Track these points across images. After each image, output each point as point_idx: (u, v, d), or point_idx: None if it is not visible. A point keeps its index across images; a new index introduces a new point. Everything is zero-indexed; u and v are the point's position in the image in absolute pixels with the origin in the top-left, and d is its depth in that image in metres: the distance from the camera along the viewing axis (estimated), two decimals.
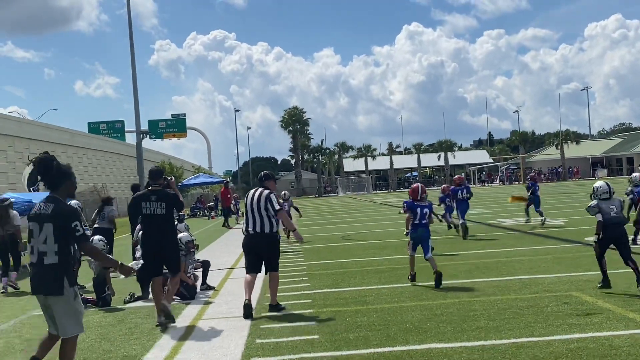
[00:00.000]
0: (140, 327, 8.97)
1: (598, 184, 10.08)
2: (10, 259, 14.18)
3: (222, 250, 19.21)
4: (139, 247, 11.06)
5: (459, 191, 18.57)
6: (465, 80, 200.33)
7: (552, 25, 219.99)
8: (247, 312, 9.10)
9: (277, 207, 9.56)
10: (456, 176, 20.35)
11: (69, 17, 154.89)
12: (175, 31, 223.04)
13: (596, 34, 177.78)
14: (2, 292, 13.39)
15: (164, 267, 9.23)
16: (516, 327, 7.57)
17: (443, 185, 21.31)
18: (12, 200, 15.40)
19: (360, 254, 15.81)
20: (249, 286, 9.40)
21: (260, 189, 9.76)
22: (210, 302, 10.59)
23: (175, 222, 10.41)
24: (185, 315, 9.66)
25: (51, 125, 47.44)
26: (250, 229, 9.53)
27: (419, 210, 11.20)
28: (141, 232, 9.87)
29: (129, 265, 7.52)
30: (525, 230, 19.30)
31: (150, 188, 9.25)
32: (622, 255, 9.57)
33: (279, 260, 9.76)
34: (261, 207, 9.49)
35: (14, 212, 14.58)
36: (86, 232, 6.62)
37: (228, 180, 49.81)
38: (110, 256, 8.61)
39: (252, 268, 9.62)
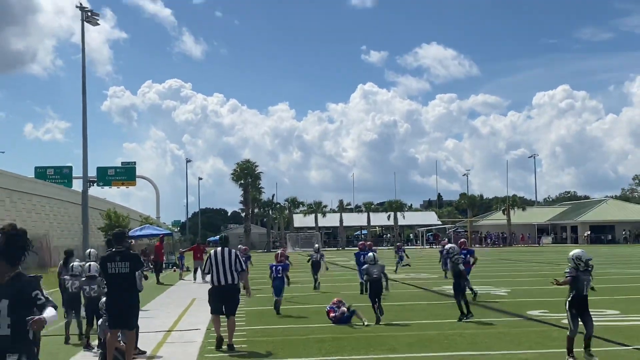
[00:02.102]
0: None
1: (580, 252, 10.60)
2: None
3: (160, 309, 18.57)
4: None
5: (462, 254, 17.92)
6: (417, 141, 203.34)
7: (501, 93, 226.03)
8: (219, 344, 11.80)
9: (244, 267, 12.46)
10: (461, 240, 21.28)
11: (23, 60, 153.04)
12: (130, 78, 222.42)
13: (544, 103, 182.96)
14: None
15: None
16: None
17: (461, 240, 21.58)
18: None
19: (305, 320, 15.58)
20: (217, 324, 12.15)
21: (227, 249, 12.43)
22: None
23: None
24: None
25: None
26: (221, 281, 12.10)
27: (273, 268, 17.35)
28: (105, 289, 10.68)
29: None
30: (469, 300, 19.28)
31: (114, 249, 10.27)
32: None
33: None
34: (232, 263, 12.17)
35: None
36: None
37: (166, 235, 49.21)
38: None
39: (217, 310, 12.26)
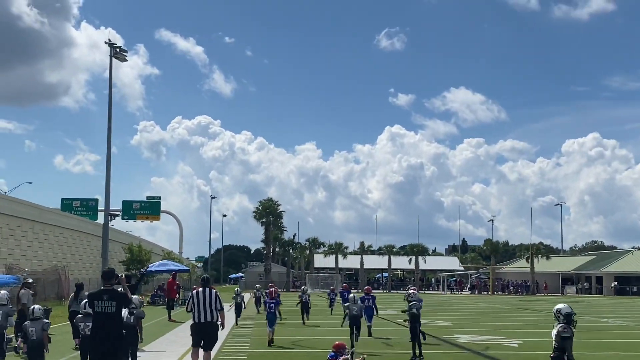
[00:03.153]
0: None
1: (563, 306, 10.45)
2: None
3: (164, 348, 18.46)
4: None
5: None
6: (443, 185, 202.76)
7: (530, 139, 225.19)
8: None
9: (222, 306, 13.56)
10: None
11: (56, 92, 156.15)
12: (160, 114, 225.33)
13: (573, 151, 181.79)
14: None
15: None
16: None
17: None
18: None
19: None
20: (196, 356, 13.27)
21: (208, 289, 13.45)
22: None
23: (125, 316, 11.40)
24: None
25: (19, 199, 46.94)
26: (201, 319, 13.16)
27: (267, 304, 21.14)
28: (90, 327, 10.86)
29: None
30: (477, 350, 19.08)
31: (102, 287, 10.39)
32: None
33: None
34: (212, 302, 13.24)
35: (23, 291, 18.57)
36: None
37: (183, 271, 49.41)
38: None
39: (197, 344, 13.29)
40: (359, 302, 20.24)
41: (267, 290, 22.05)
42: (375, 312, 23.72)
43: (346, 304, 19.72)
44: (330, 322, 26.95)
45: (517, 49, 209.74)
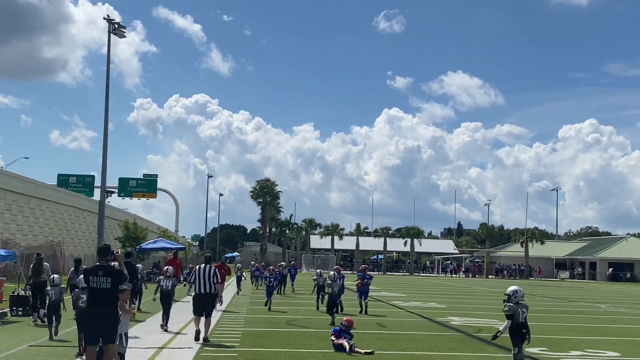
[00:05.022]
0: None
1: (514, 288, 12.01)
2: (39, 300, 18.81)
3: (158, 326, 18.44)
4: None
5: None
6: (439, 168, 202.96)
7: (527, 124, 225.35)
8: (197, 336, 15.10)
9: (219, 280, 16.14)
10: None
11: (53, 68, 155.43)
12: (157, 91, 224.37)
13: (570, 136, 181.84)
14: (33, 322, 18.38)
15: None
16: None
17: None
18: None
19: (298, 344, 15.58)
20: (198, 322, 15.33)
21: (209, 266, 15.82)
22: None
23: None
24: None
25: (16, 174, 46.91)
26: (202, 290, 15.47)
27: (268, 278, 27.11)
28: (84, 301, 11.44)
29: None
30: (469, 333, 19.20)
31: (98, 263, 10.49)
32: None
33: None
34: (211, 276, 15.59)
35: (46, 264, 20.37)
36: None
37: (179, 249, 49.08)
38: None
39: (198, 313, 15.41)
40: (338, 281, 22.03)
41: (268, 269, 28.79)
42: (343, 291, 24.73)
43: (321, 282, 23.03)
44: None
45: (515, 33, 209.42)
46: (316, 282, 25.89)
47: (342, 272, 24.42)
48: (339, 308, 22.50)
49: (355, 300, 24.99)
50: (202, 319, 15.35)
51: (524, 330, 11.83)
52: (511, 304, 11.86)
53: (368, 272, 25.25)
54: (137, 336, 15.70)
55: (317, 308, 24.48)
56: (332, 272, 22.32)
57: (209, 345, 14.68)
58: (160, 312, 18.11)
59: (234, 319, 20.96)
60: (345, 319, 15.98)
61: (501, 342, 17.23)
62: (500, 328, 12.22)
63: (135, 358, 12.08)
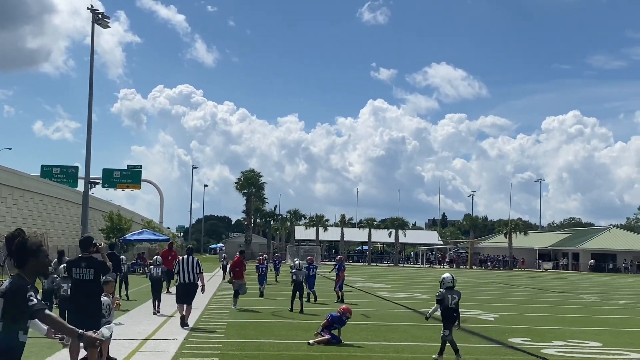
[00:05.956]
0: None
1: (444, 275, 12.90)
2: None
3: (143, 316, 18.60)
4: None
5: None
6: (424, 159, 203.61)
7: (511, 115, 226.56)
8: (183, 322, 16.00)
9: (202, 270, 16.88)
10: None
11: (36, 58, 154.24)
12: (141, 82, 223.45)
13: (553, 128, 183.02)
14: None
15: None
16: None
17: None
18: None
19: (283, 335, 15.61)
20: (181, 309, 16.40)
21: (192, 257, 16.91)
22: None
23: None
24: None
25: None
26: (185, 280, 16.58)
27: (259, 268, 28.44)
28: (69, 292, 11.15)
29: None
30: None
31: (80, 255, 10.42)
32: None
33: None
34: (193, 267, 16.61)
35: None
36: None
37: (164, 240, 48.97)
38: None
39: (181, 301, 16.50)
40: (305, 270, 22.56)
41: (258, 259, 30.23)
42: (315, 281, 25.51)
43: (300, 277, 21.64)
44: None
45: (500, 25, 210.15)
46: (293, 276, 21.63)
47: (314, 263, 26.13)
48: (313, 298, 24.38)
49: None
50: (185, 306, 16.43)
51: (455, 315, 12.62)
52: (442, 290, 12.74)
53: (344, 263, 27.89)
54: (121, 322, 16.13)
55: (291, 309, 20.95)
56: (297, 261, 22.78)
57: (194, 337, 14.65)
58: (149, 301, 18.41)
59: (219, 309, 20.97)
60: (345, 307, 15.74)
61: (485, 332, 17.43)
62: (429, 310, 13.49)
63: (119, 349, 12.07)
